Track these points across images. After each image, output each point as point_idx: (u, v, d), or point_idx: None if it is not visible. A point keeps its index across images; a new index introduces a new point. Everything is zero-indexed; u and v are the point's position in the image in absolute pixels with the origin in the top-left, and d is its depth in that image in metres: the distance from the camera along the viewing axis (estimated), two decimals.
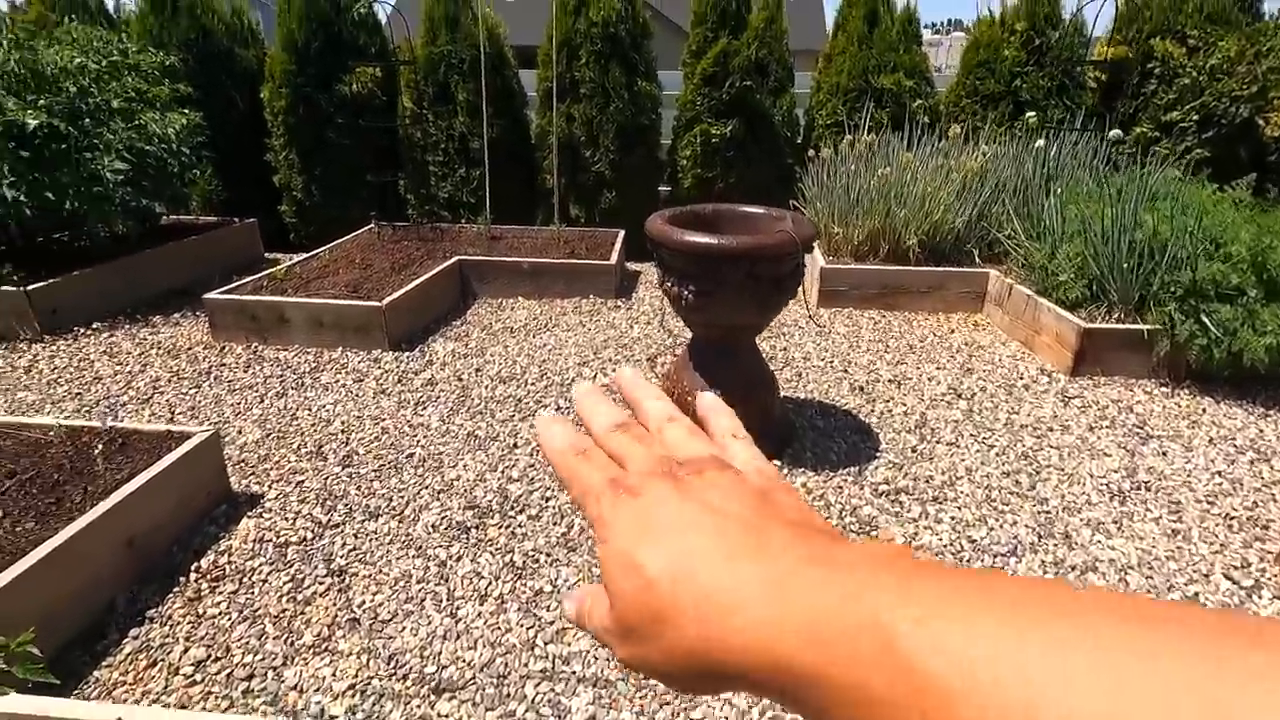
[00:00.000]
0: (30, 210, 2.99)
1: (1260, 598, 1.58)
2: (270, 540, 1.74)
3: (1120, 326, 2.61)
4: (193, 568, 1.63)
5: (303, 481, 1.99)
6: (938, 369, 2.77)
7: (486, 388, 2.57)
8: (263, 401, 2.46)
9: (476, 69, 4.01)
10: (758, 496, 0.26)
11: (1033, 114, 3.74)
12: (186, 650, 1.41)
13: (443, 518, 1.83)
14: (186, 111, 3.69)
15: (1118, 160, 3.50)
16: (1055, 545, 1.75)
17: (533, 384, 2.60)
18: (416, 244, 3.85)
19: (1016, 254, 3.27)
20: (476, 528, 1.80)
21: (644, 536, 0.24)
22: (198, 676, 1.36)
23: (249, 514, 1.83)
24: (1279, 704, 0.13)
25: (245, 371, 2.69)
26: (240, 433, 2.25)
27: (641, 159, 4.38)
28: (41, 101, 3.02)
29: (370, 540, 1.75)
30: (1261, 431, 2.30)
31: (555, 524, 1.81)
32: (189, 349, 2.89)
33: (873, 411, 2.43)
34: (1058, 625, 0.16)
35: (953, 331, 3.19)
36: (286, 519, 1.82)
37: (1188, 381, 2.60)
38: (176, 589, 1.57)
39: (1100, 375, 2.66)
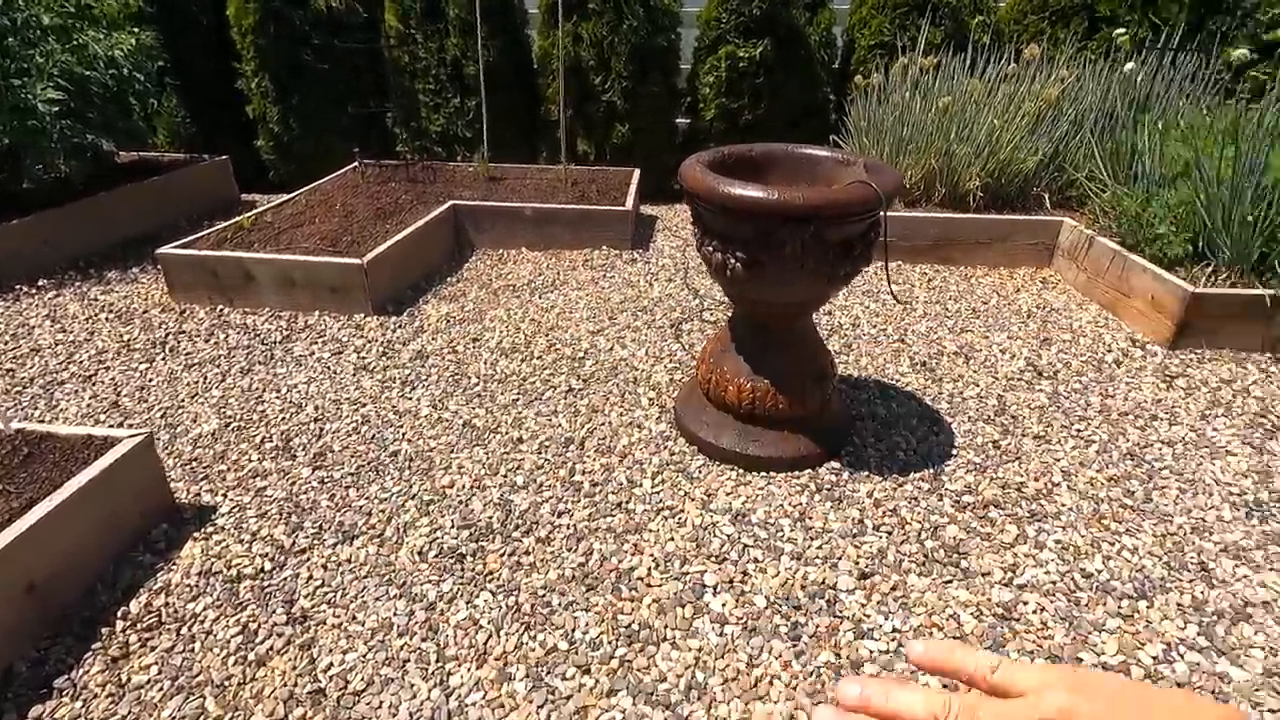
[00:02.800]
0: None
1: None
2: (220, 573, 1.41)
3: (1240, 292, 2.19)
4: (119, 614, 1.30)
5: (265, 489, 1.65)
6: (1010, 339, 2.38)
7: (486, 363, 2.20)
8: (224, 380, 2.10)
9: None
10: None
11: (1122, 30, 3.20)
12: None
13: (432, 541, 1.50)
14: (137, 30, 3.19)
15: (1237, 89, 3.00)
16: (1191, 581, 1.41)
17: (539, 358, 2.23)
18: (406, 185, 3.40)
19: (1098, 200, 2.82)
20: (474, 555, 1.46)
21: None
22: None
23: (196, 535, 1.50)
24: None
25: (207, 341, 2.32)
26: (195, 420, 1.90)
27: (658, 86, 3.86)
28: None
29: (343, 573, 1.41)
30: None
31: (570, 549, 1.47)
32: (144, 312, 2.51)
33: (941, 394, 2.06)
34: None
35: (1019, 291, 2.78)
36: (242, 542, 1.49)
37: None
38: (97, 644, 1.25)
39: (1204, 349, 2.27)
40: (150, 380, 2.10)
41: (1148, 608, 1.35)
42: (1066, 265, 2.87)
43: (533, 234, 3.12)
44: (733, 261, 1.50)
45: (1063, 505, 1.62)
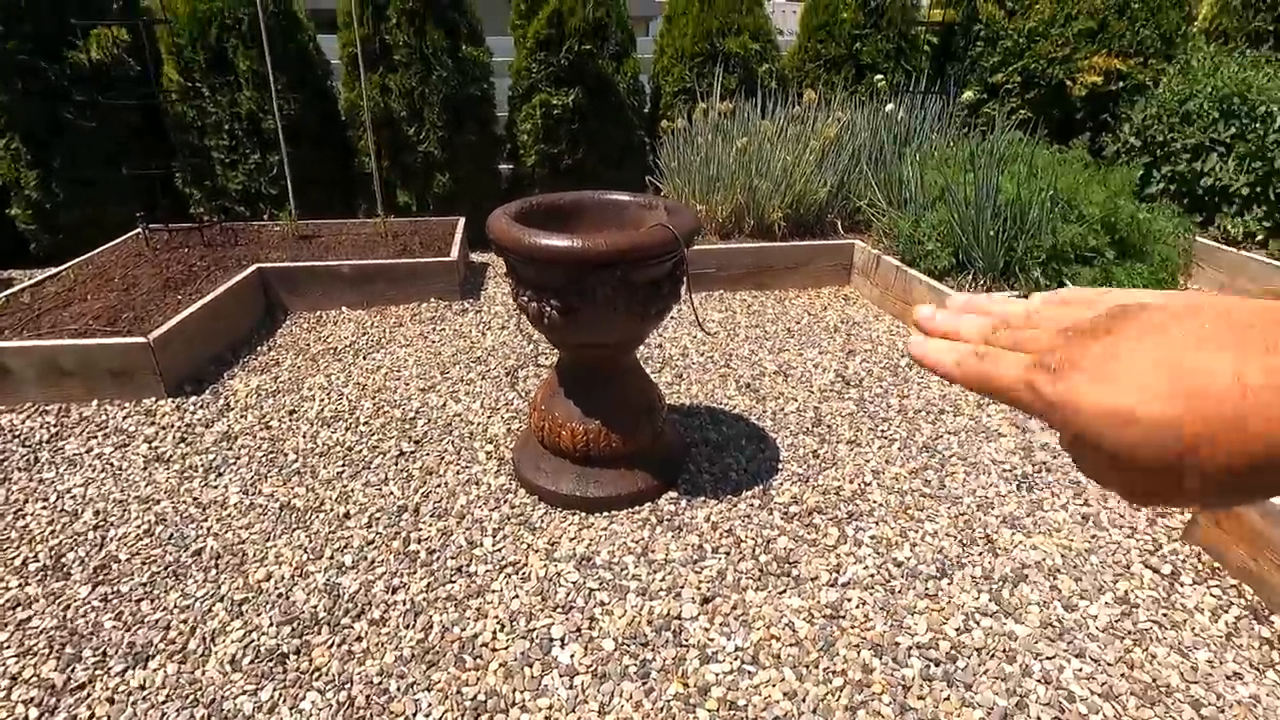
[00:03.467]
0: None
1: (1183, 584, 1.52)
2: None
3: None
4: None
5: (28, 620, 1.40)
6: (820, 354, 2.61)
7: (305, 436, 2.04)
8: None
9: (259, 31, 3.28)
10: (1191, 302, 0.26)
11: (880, 77, 3.68)
12: None
13: (247, 645, 1.34)
14: None
15: (972, 124, 3.53)
16: (980, 554, 1.60)
17: (366, 423, 2.11)
18: (201, 251, 3.11)
19: (880, 223, 3.19)
20: (298, 652, 1.33)
21: (1128, 377, 0.25)
22: None
23: None
24: None
25: None
26: None
27: (476, 135, 3.86)
28: None
29: (135, 703, 1.23)
30: None
31: (407, 626, 1.39)
32: None
33: (765, 412, 2.20)
34: None
35: (826, 309, 3.06)
36: None
37: None
38: None
39: None
40: None
41: (948, 584, 1.51)
42: (862, 282, 3.21)
43: (353, 293, 2.97)
44: (548, 309, 1.52)
45: (875, 502, 1.78)
